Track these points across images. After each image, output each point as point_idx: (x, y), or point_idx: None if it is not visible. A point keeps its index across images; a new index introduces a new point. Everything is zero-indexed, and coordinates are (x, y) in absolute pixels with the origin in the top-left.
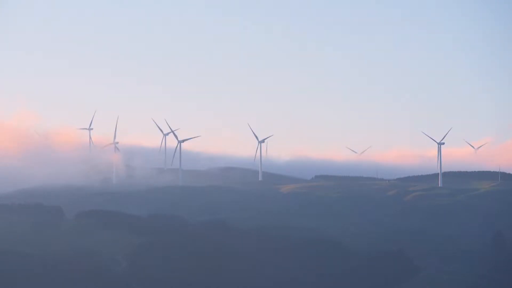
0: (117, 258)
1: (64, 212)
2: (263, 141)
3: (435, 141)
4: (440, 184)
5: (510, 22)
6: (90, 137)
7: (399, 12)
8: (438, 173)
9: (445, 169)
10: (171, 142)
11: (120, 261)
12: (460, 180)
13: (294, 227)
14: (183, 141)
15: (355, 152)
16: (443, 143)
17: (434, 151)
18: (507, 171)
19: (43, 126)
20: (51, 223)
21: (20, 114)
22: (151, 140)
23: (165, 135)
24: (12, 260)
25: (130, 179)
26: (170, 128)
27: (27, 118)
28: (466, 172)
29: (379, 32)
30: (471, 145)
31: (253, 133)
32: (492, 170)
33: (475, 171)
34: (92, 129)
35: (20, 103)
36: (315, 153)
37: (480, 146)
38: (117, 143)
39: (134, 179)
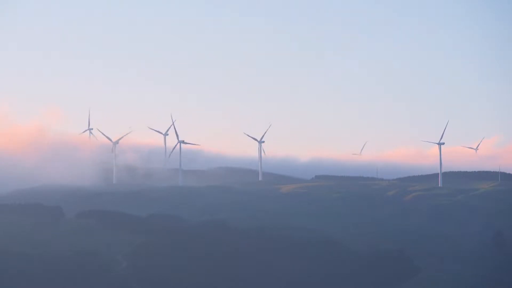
0: (117, 258)
1: (64, 212)
2: (263, 141)
3: (436, 143)
4: (440, 184)
5: None
6: (89, 137)
7: (402, 12)
8: (438, 173)
9: (445, 169)
10: (171, 142)
11: (120, 261)
12: (460, 180)
13: (294, 227)
14: (183, 141)
15: (359, 153)
16: (443, 143)
17: (434, 151)
18: (507, 171)
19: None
20: (51, 223)
21: (47, 113)
22: (151, 140)
23: (165, 135)
24: (12, 260)
25: (130, 179)
26: (175, 129)
27: (53, 117)
28: (466, 172)
29: (380, 33)
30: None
31: (252, 137)
32: (492, 170)
33: (475, 171)
34: (92, 129)
35: (45, 103)
36: (316, 153)
37: (478, 146)
38: (117, 143)
39: (134, 179)
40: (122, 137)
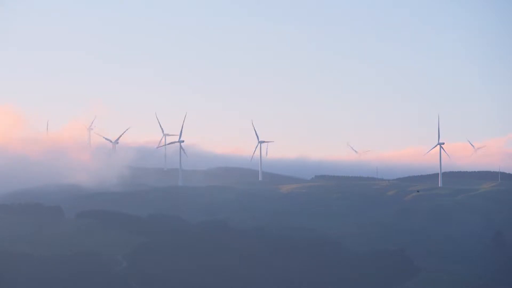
0: (117, 258)
1: (64, 212)
2: (263, 141)
3: (436, 144)
4: (440, 184)
5: None
6: (89, 137)
7: (405, 13)
8: (438, 173)
9: (445, 169)
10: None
11: (120, 261)
12: (460, 180)
13: (294, 227)
14: (183, 141)
15: (356, 152)
16: (443, 143)
17: (434, 151)
18: (507, 171)
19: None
20: (51, 223)
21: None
22: (151, 140)
23: (165, 135)
24: (12, 260)
25: (130, 179)
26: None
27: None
28: (466, 172)
29: (383, 33)
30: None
31: (255, 131)
32: (492, 170)
33: (475, 171)
34: (92, 129)
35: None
36: (315, 153)
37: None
38: (118, 143)
39: (134, 179)
40: (122, 133)
